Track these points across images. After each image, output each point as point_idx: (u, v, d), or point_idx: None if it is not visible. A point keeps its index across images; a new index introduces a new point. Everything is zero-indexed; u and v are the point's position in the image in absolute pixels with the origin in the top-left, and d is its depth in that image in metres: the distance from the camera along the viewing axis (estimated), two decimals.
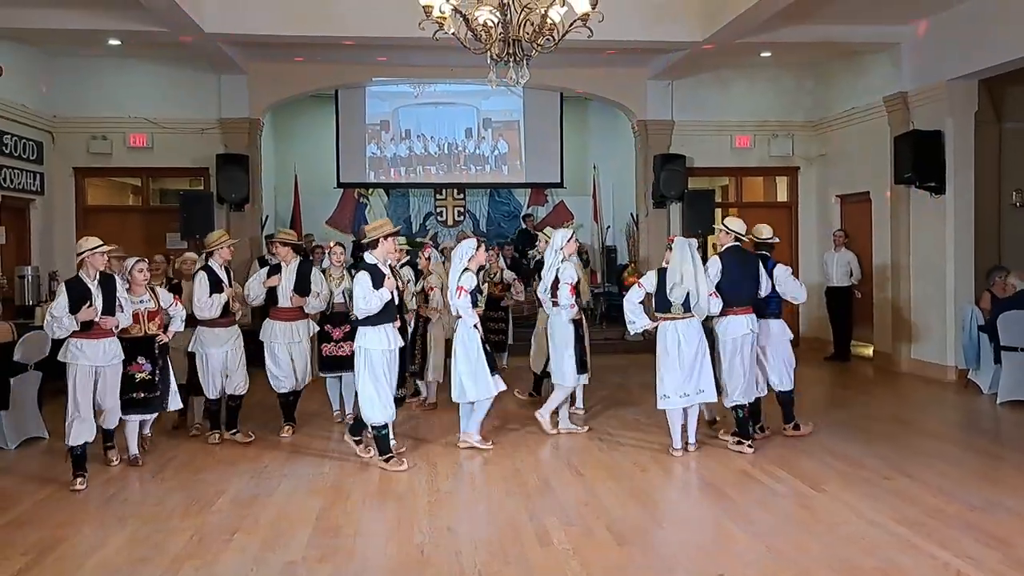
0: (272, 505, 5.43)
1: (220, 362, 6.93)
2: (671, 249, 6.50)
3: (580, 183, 14.84)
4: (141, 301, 6.33)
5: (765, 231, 7.04)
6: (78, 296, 5.84)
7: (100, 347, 5.95)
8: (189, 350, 7.04)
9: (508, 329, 10.60)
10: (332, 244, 7.86)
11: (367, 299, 6.01)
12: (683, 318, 6.41)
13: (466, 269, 6.57)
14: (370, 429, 6.25)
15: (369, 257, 6.25)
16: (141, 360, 6.33)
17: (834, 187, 12.35)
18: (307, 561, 4.50)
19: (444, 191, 15.07)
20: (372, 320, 6.12)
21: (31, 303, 9.57)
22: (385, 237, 6.20)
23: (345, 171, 14.11)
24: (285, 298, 7.21)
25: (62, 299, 5.82)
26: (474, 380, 6.57)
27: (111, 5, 8.55)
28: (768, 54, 11.15)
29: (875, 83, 10.95)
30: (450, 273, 6.71)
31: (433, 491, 5.71)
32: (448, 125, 14.41)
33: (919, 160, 9.82)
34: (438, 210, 15.20)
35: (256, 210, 11.99)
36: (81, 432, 5.84)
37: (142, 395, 6.35)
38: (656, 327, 6.57)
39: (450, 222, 15.09)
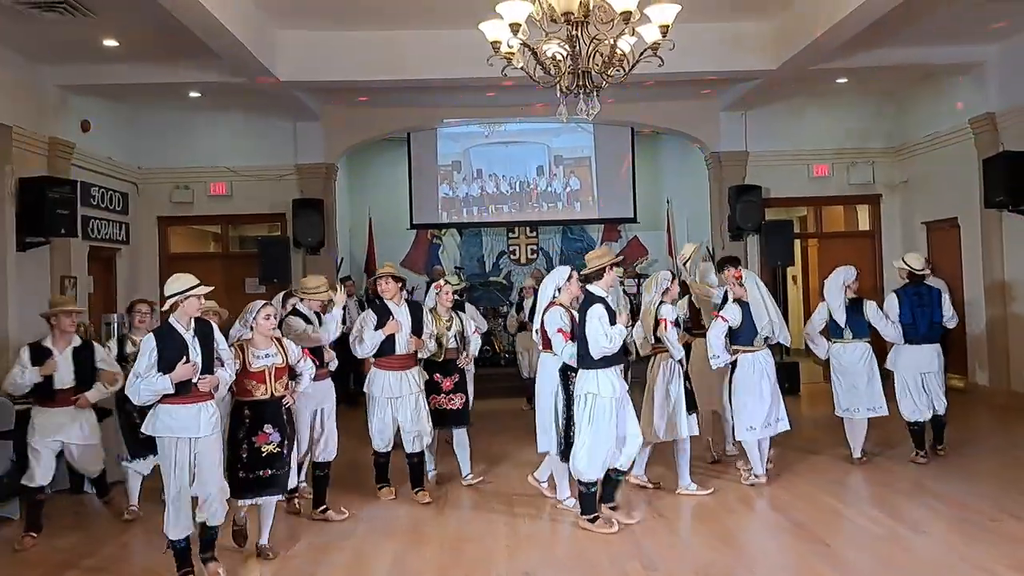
0: (348, 549, 5.37)
1: (306, 423, 5.87)
2: (742, 285, 6.46)
3: (653, 217, 14.66)
4: (267, 355, 5.13)
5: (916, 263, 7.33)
6: (170, 350, 4.66)
7: (196, 414, 4.70)
8: None
9: None
10: (440, 282, 7.02)
11: (609, 336, 5.32)
12: (763, 350, 6.46)
13: (662, 301, 6.21)
14: (578, 484, 5.56)
15: (595, 289, 5.58)
16: (268, 429, 5.08)
17: (919, 214, 11.87)
18: None
19: (517, 229, 15.07)
20: (604, 362, 5.44)
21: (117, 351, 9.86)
22: (611, 267, 5.58)
23: (418, 212, 14.28)
24: (402, 345, 6.28)
25: (149, 354, 4.64)
26: (667, 419, 6.21)
27: (191, 58, 8.87)
28: (844, 80, 10.86)
29: (959, 105, 10.54)
30: (538, 308, 6.07)
31: (512, 534, 5.57)
32: (519, 163, 14.46)
33: (1011, 182, 9.34)
34: (511, 248, 15.20)
35: (332, 253, 12.19)
36: (179, 522, 4.70)
37: (270, 472, 5.05)
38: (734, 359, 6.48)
39: (523, 260, 15.06)
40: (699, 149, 12.81)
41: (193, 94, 10.59)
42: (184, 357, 4.65)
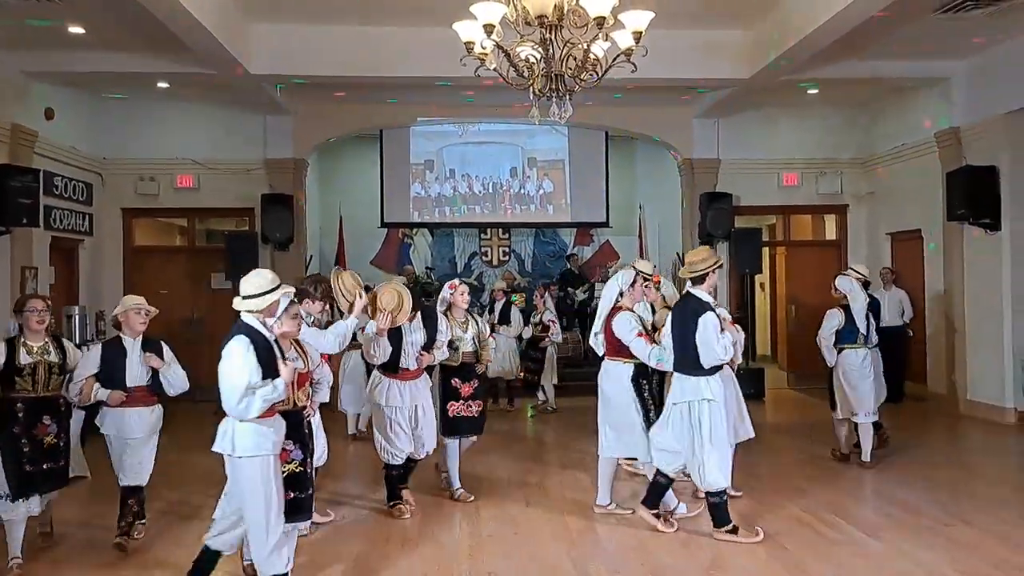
0: (308, 547, 5.32)
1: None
2: (837, 289, 7.23)
3: (626, 223, 14.72)
4: (288, 360, 4.23)
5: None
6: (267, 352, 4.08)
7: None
8: None
9: (543, 370, 10.57)
10: (455, 281, 6.56)
11: (724, 347, 5.22)
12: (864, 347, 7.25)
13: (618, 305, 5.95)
14: (708, 497, 5.42)
15: (700, 293, 5.40)
16: (289, 445, 4.27)
17: (884, 225, 12.06)
18: None
19: (489, 231, 15.07)
20: (715, 368, 5.37)
21: (78, 342, 9.69)
22: (713, 269, 5.40)
23: (389, 211, 14.20)
24: (410, 358, 5.93)
25: (251, 358, 3.99)
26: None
27: (160, 48, 8.74)
28: (815, 91, 11.00)
29: (925, 119, 10.72)
30: (599, 314, 5.92)
31: (475, 535, 5.56)
32: (493, 165, 14.46)
33: (973, 196, 9.55)
34: (483, 250, 15.19)
35: (300, 250, 12.07)
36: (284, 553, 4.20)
37: (292, 495, 4.26)
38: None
39: (495, 262, 15.06)
40: (672, 155, 12.89)
41: (161, 84, 10.44)
42: (282, 358, 4.14)
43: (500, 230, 15.06)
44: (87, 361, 5.24)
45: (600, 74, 5.42)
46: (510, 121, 13.36)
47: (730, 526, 5.33)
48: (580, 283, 13.52)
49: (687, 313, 5.38)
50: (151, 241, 12.87)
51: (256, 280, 4.15)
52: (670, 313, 5.65)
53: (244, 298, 4.12)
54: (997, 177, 9.49)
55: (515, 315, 10.49)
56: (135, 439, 5.27)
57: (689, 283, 5.51)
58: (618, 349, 5.74)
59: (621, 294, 5.78)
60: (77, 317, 9.79)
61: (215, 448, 4.08)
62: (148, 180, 11.74)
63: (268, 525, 4.01)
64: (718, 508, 5.35)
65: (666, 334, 5.55)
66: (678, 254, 13.46)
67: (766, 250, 13.10)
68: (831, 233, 13.30)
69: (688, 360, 5.34)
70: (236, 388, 3.89)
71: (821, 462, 7.43)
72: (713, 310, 5.33)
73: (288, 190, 11.78)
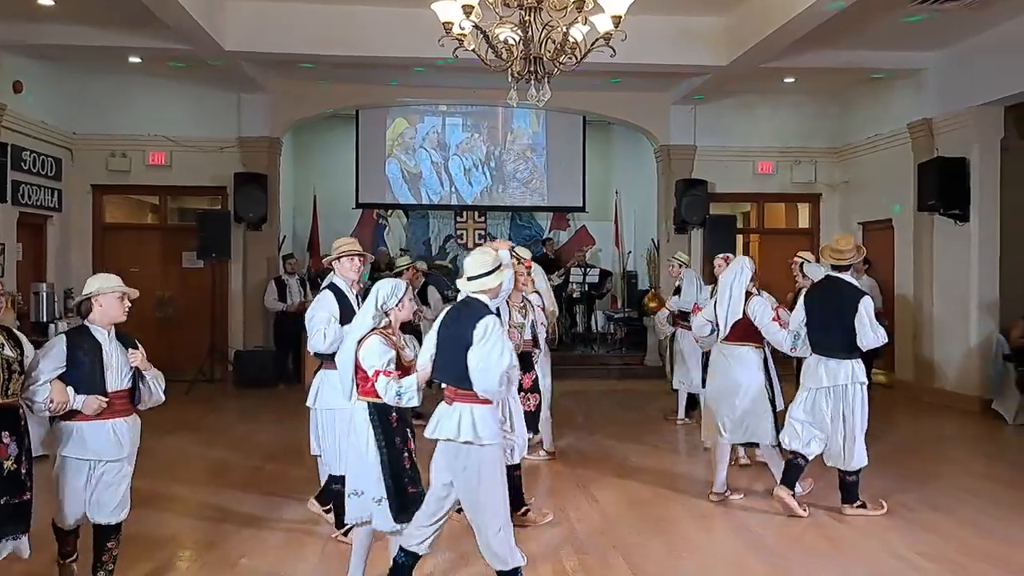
0: (281, 529, 5.32)
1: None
2: (805, 275, 6.56)
3: (602, 208, 14.75)
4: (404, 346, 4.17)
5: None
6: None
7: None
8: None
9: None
10: (528, 261, 6.03)
11: (881, 329, 5.40)
12: None
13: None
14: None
15: (848, 278, 5.58)
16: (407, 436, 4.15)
17: (856, 214, 12.19)
18: None
19: (465, 213, 15.02)
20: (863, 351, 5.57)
21: (46, 320, 9.56)
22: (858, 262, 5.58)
23: (364, 192, 14.09)
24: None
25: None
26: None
27: (133, 23, 8.59)
28: (792, 80, 11.07)
29: (899, 110, 10.83)
30: (722, 301, 5.84)
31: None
32: (469, 147, 14.40)
33: (943, 187, 9.68)
34: (458, 232, 15.14)
35: (274, 230, 11.97)
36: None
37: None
38: None
39: (470, 245, 15.01)
40: (649, 141, 12.92)
41: (133, 59, 10.26)
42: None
43: (476, 213, 15.02)
44: (49, 356, 3.97)
45: (579, 58, 5.41)
46: (488, 104, 13.31)
47: (859, 502, 5.60)
48: (555, 268, 13.53)
49: (840, 297, 5.51)
50: (122, 219, 12.69)
51: (483, 258, 3.96)
52: (801, 298, 5.84)
53: (471, 278, 3.92)
54: (967, 169, 9.62)
55: None
56: (115, 461, 4.06)
57: (831, 268, 5.66)
58: (748, 334, 5.81)
59: (754, 278, 5.85)
60: (45, 294, 9.63)
61: (445, 436, 3.80)
62: (119, 156, 11.56)
63: (507, 514, 3.89)
64: (855, 486, 5.59)
65: (796, 320, 5.68)
66: (653, 240, 13.53)
67: (740, 237, 13.20)
68: (804, 222, 13.43)
69: (838, 344, 5.49)
70: (504, 367, 3.71)
71: None
72: (867, 294, 5.51)
73: (262, 169, 11.66)
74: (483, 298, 3.88)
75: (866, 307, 5.39)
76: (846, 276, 5.58)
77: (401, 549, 3.93)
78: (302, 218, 14.19)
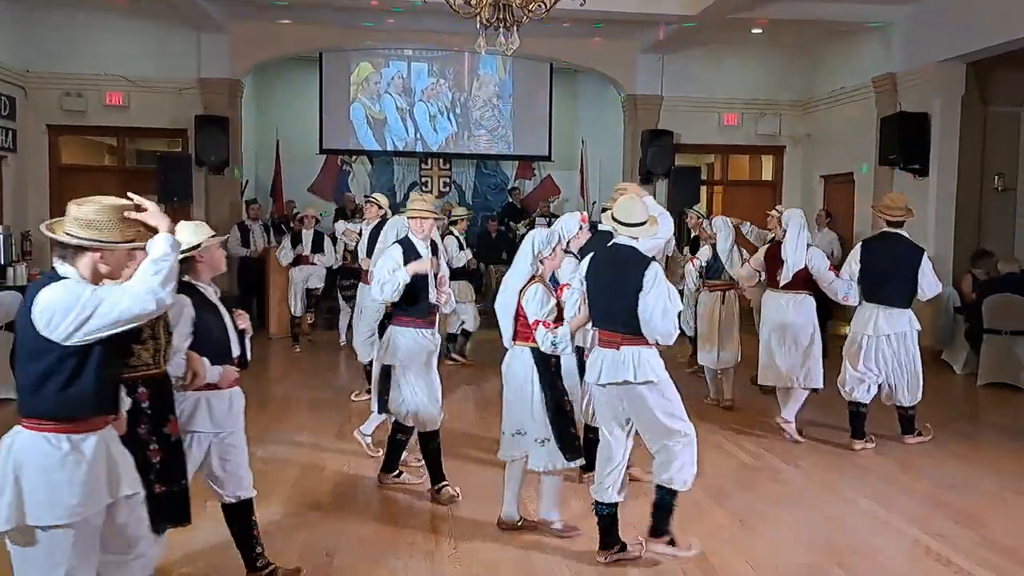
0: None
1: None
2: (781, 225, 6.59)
3: (568, 157, 14.71)
4: None
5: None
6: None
7: None
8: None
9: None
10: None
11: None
12: None
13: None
14: None
15: (904, 233, 6.07)
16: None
17: (818, 167, 12.34)
18: (281, 528, 4.46)
19: (429, 161, 14.89)
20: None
21: (3, 263, 9.37)
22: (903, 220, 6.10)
23: (328, 137, 13.88)
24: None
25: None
26: None
27: None
28: (759, 31, 11.06)
29: (864, 64, 10.90)
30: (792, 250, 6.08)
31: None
32: (435, 93, 14.21)
33: (904, 141, 9.83)
34: (423, 180, 15.01)
35: (236, 174, 11.78)
36: None
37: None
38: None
39: (435, 192, 14.92)
40: (615, 91, 12.87)
41: None
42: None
43: (441, 160, 14.90)
44: (180, 323, 3.42)
45: (549, 5, 5.36)
46: (454, 51, 13.13)
47: (917, 430, 6.20)
48: (521, 217, 13.54)
49: (900, 250, 5.98)
50: (78, 160, 12.35)
51: (640, 205, 4.07)
52: (859, 248, 6.19)
53: (630, 225, 4.00)
54: (928, 124, 9.76)
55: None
56: (236, 430, 3.70)
57: (885, 224, 6.13)
58: (805, 283, 6.17)
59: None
60: (1, 237, 9.44)
61: (622, 379, 3.90)
62: (75, 96, 11.21)
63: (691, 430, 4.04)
64: (914, 419, 6.19)
65: (851, 270, 6.09)
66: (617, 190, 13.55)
67: (704, 189, 13.30)
68: (767, 174, 13.55)
69: (898, 294, 5.95)
70: (680, 308, 3.97)
71: (743, 395, 7.66)
72: (924, 249, 6.09)
73: (223, 112, 11.41)
74: (635, 243, 4.00)
75: (928, 261, 5.99)
76: (902, 231, 6.07)
77: (598, 503, 4.09)
78: (264, 163, 13.96)
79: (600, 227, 5.06)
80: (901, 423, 6.23)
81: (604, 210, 5.60)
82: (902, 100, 10.16)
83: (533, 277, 4.20)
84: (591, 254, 4.26)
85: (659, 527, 4.05)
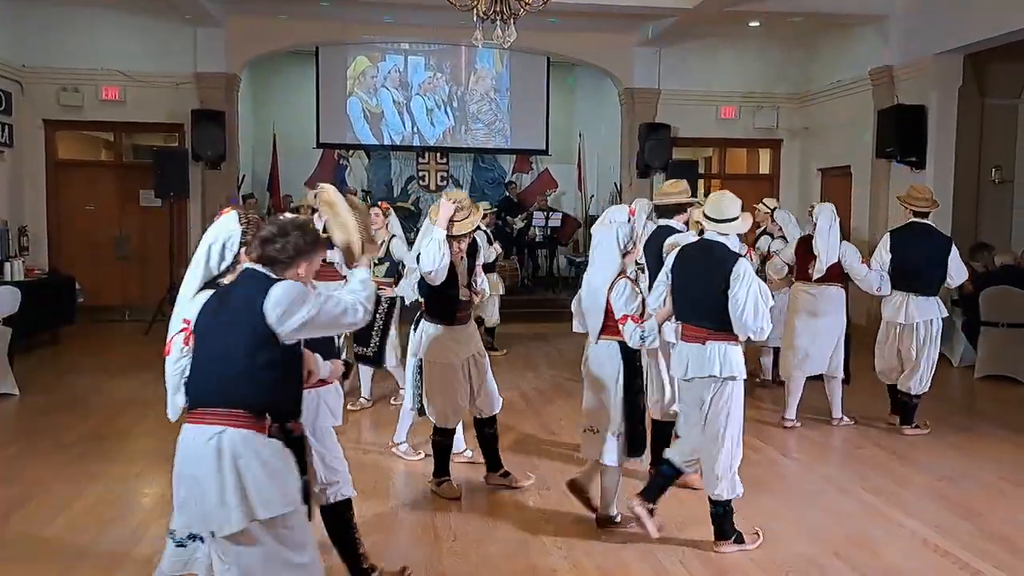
0: None
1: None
2: (775, 221, 7.12)
3: (565, 151, 14.71)
4: None
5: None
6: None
7: None
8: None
9: None
10: (384, 203, 6.44)
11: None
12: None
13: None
14: None
15: (932, 223, 6.29)
16: None
17: (816, 160, 12.34)
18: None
19: (426, 155, 14.87)
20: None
21: (0, 259, 9.37)
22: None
23: (325, 131, 13.86)
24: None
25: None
26: None
27: None
28: (756, 24, 11.04)
29: (861, 57, 10.89)
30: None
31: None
32: (432, 87, 14.20)
33: (901, 134, 9.83)
34: (420, 174, 15.00)
35: (233, 169, 11.76)
36: None
37: None
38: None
39: (433, 187, 14.92)
40: (613, 84, 12.85)
41: None
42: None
43: (438, 155, 14.88)
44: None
45: None
46: (451, 44, 13.10)
47: (916, 423, 6.29)
48: (518, 211, 13.54)
49: (930, 239, 6.16)
50: (75, 155, 12.34)
51: (732, 201, 4.18)
52: (888, 238, 6.30)
53: (721, 220, 4.11)
54: (925, 116, 9.76)
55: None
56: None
57: (912, 214, 6.25)
58: (837, 275, 6.29)
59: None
60: None
61: (707, 373, 4.02)
62: (71, 91, 11.18)
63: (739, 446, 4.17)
64: (915, 410, 6.29)
65: (882, 261, 6.22)
66: (616, 184, 13.56)
67: (701, 183, 13.30)
68: (765, 167, 13.55)
69: (929, 282, 6.14)
70: (770, 304, 4.00)
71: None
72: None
73: (219, 106, 11.38)
74: (724, 240, 4.08)
75: (956, 248, 6.17)
76: (928, 221, 6.22)
77: (668, 463, 4.25)
78: (261, 157, 13.95)
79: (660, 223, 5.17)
80: (903, 411, 6.28)
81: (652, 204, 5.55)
82: (899, 92, 10.16)
83: (620, 272, 4.17)
84: (680, 248, 4.34)
85: (723, 532, 4.16)
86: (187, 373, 2.85)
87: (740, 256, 4.02)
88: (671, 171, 12.06)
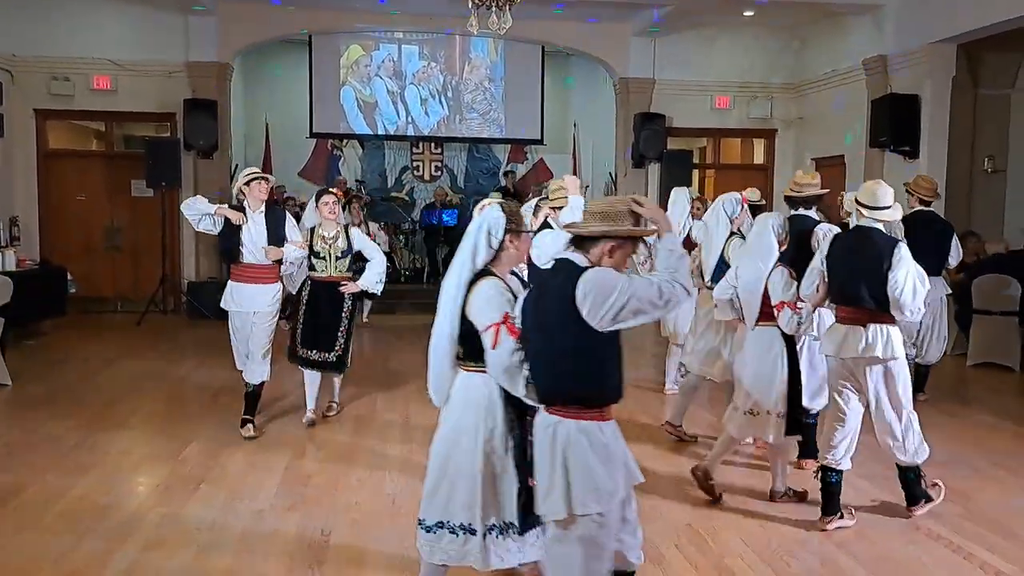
0: (240, 455, 5.36)
1: None
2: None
3: (560, 141, 14.67)
4: None
5: None
6: None
7: None
8: None
9: None
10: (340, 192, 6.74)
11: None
12: None
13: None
14: None
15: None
16: None
17: (810, 150, 12.34)
18: (275, 509, 4.46)
19: (421, 145, 14.82)
20: None
21: None
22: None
23: (319, 121, 13.79)
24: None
25: None
26: None
27: None
28: (751, 14, 11.03)
29: (855, 46, 10.87)
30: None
31: (406, 443, 5.69)
32: (426, 76, 14.14)
33: (895, 124, 9.84)
34: (415, 164, 14.95)
35: (225, 158, 11.70)
36: None
37: None
38: None
39: (427, 177, 14.88)
40: (607, 74, 12.82)
41: None
42: None
43: (432, 144, 14.84)
44: None
45: None
46: (445, 33, 13.05)
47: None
48: (515, 201, 13.49)
49: (936, 224, 6.76)
50: (66, 145, 12.24)
51: (888, 190, 4.41)
52: (901, 223, 6.31)
53: (879, 208, 4.33)
54: (919, 106, 9.77)
55: None
56: None
57: (918, 203, 6.82)
58: None
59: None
60: None
61: (871, 354, 4.19)
62: (62, 80, 11.10)
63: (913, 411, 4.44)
64: (927, 378, 6.89)
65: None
66: (611, 174, 13.55)
67: (696, 173, 13.29)
68: (759, 157, 13.54)
69: (935, 263, 6.46)
70: (924, 289, 4.18)
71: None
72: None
73: (211, 95, 11.31)
74: (880, 226, 4.32)
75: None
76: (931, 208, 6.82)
77: (828, 470, 4.37)
78: (254, 146, 13.87)
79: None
80: (915, 381, 6.32)
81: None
82: (893, 82, 10.16)
83: (779, 261, 4.43)
84: (834, 235, 4.56)
85: (915, 496, 4.47)
86: (526, 365, 2.84)
87: (899, 240, 4.30)
88: (666, 161, 12.07)
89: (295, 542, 4.03)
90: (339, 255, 5.92)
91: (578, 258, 2.73)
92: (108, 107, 11.43)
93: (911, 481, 4.46)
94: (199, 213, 5.57)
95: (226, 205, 5.74)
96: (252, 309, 5.70)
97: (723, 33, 12.20)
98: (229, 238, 5.65)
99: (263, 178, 5.75)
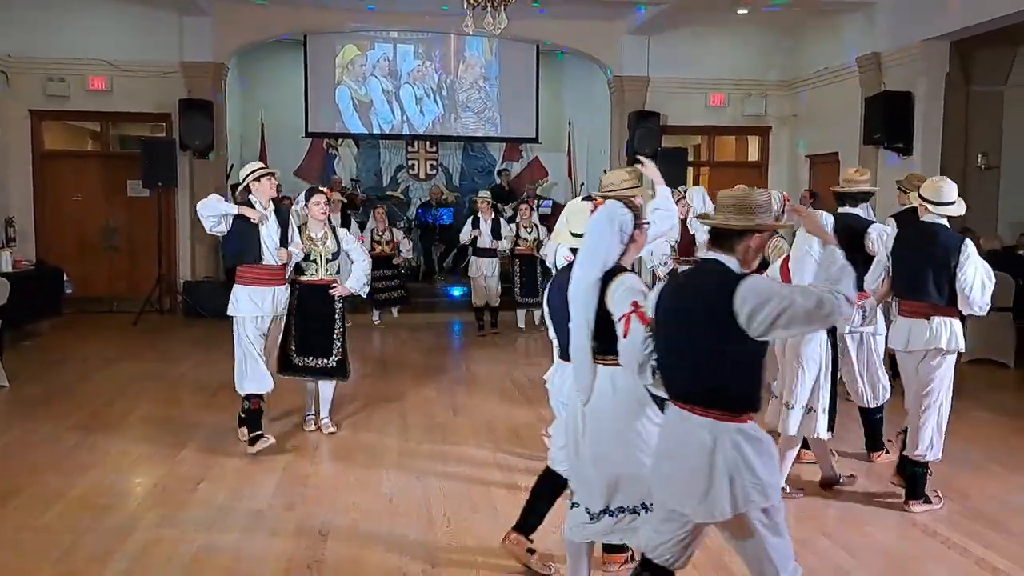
0: (238, 455, 5.38)
1: None
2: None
3: (555, 139, 14.68)
4: None
5: None
6: None
7: None
8: None
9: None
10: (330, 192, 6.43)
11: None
12: None
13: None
14: None
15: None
16: None
17: (804, 148, 12.36)
18: (273, 509, 4.48)
19: (416, 143, 14.82)
20: None
21: None
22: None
23: (314, 120, 13.77)
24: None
25: None
26: None
27: None
28: (745, 11, 11.05)
29: (849, 44, 10.90)
30: None
31: (404, 441, 5.70)
32: (421, 75, 14.13)
33: (889, 121, 9.87)
34: (410, 163, 14.95)
35: (221, 158, 11.70)
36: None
37: None
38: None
39: (422, 175, 14.88)
40: (602, 72, 12.84)
41: None
42: None
43: (427, 143, 14.83)
44: None
45: None
46: (440, 32, 13.04)
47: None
48: (510, 200, 13.51)
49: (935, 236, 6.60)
50: (61, 146, 12.23)
51: (951, 188, 4.47)
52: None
53: (946, 204, 4.43)
54: (912, 103, 9.81)
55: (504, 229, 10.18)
56: None
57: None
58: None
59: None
60: None
61: (935, 346, 4.36)
62: (57, 81, 11.09)
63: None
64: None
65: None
66: (605, 172, 13.55)
67: (690, 170, 13.32)
68: (753, 155, 13.58)
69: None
70: (991, 284, 4.29)
71: None
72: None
73: (207, 96, 11.31)
74: (944, 222, 4.39)
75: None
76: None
77: (917, 463, 4.49)
78: (250, 147, 13.85)
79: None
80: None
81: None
82: (887, 79, 10.19)
83: None
84: (898, 232, 4.67)
85: (916, 492, 4.52)
86: (654, 356, 2.81)
87: (966, 237, 4.36)
88: (660, 159, 12.07)
89: (293, 542, 4.05)
90: (330, 257, 5.67)
91: (729, 260, 2.68)
92: (104, 107, 11.43)
93: (917, 476, 4.52)
94: (219, 214, 5.18)
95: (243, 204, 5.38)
96: (275, 313, 5.44)
97: (717, 31, 12.21)
98: (243, 239, 5.29)
99: (271, 173, 5.46)
